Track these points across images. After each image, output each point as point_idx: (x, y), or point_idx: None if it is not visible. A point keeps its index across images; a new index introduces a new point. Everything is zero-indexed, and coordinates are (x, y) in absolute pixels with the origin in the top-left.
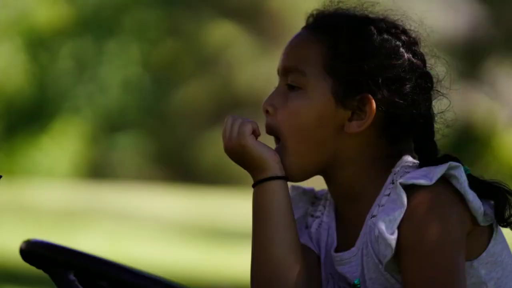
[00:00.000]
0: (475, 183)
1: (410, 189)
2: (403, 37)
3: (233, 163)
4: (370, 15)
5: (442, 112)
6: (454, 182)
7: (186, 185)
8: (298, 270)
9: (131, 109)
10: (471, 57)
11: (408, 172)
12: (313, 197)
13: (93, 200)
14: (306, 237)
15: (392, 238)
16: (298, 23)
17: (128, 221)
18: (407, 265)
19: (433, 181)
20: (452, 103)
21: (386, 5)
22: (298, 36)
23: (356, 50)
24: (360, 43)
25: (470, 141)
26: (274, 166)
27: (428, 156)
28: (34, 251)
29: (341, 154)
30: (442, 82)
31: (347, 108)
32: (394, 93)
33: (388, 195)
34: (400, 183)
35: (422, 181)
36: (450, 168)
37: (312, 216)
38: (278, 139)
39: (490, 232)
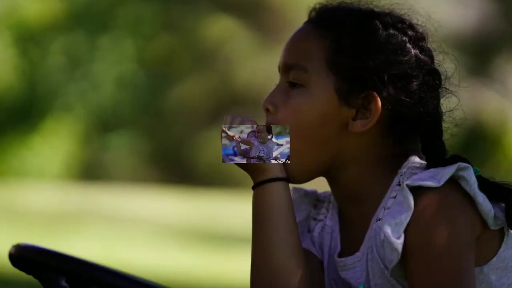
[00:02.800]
0: (485, 185)
1: (417, 191)
2: (409, 32)
3: (232, 163)
4: (375, 9)
5: (450, 110)
6: (463, 184)
7: (182, 187)
8: (300, 276)
9: (125, 107)
10: (481, 53)
11: (415, 173)
12: (315, 199)
13: (86, 202)
14: (308, 241)
15: (399, 243)
16: (300, 18)
17: (122, 224)
18: (413, 268)
19: (441, 183)
20: (461, 101)
21: None
22: (300, 31)
23: (360, 44)
24: (365, 37)
25: (480, 141)
26: (274, 167)
27: (436, 156)
28: (24, 256)
29: (344, 154)
30: (451, 79)
31: (351, 106)
32: (401, 91)
33: (394, 197)
34: (407, 185)
35: (430, 183)
36: (459, 169)
37: (315, 219)
38: None
39: (501, 236)
